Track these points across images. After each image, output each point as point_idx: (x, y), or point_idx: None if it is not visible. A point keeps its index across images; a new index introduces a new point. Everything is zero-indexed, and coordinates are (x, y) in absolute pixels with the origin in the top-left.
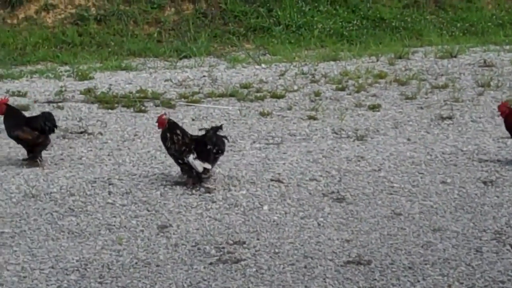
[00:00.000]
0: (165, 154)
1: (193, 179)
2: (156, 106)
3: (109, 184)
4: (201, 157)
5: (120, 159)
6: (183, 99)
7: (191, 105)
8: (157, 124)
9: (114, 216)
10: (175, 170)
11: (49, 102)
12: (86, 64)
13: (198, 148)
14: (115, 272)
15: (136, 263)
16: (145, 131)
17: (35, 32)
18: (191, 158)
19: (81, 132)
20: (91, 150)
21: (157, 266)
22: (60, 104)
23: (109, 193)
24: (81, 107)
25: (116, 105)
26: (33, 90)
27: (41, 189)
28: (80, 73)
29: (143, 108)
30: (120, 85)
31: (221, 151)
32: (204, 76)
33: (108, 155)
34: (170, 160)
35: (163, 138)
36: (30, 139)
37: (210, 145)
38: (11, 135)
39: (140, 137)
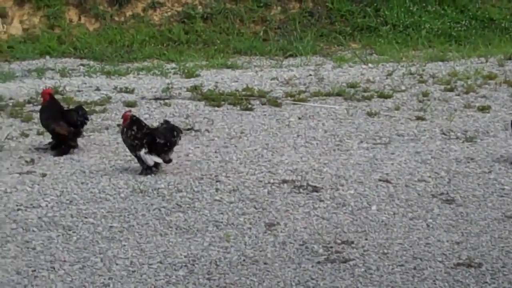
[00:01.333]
0: (272, 152)
1: (146, 171)
2: (263, 104)
3: (216, 181)
4: (152, 151)
5: (227, 156)
6: (289, 98)
7: (297, 104)
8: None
9: (222, 213)
10: (282, 168)
11: (156, 99)
12: (192, 61)
13: (149, 142)
14: (223, 269)
15: (243, 260)
16: (252, 129)
17: (142, 29)
18: (142, 152)
19: (188, 129)
20: (198, 147)
21: (265, 264)
22: (167, 101)
23: (216, 190)
24: (187, 104)
25: (222, 102)
26: (140, 87)
27: (149, 185)
28: (186, 71)
29: (249, 106)
30: (226, 83)
31: (169, 142)
32: (310, 75)
33: (215, 152)
34: (277, 158)
35: (121, 132)
36: (66, 135)
37: (159, 138)
38: (46, 126)
39: (246, 135)
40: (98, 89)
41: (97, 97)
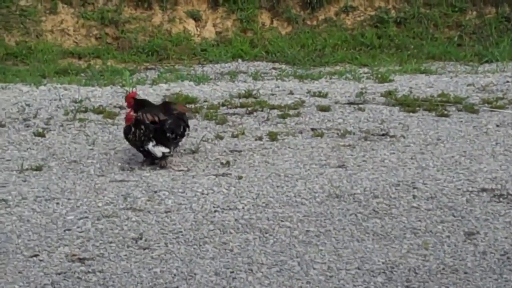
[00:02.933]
0: (470, 160)
1: (147, 161)
2: (459, 110)
3: (413, 188)
4: (160, 144)
5: (423, 163)
6: (486, 105)
7: (495, 111)
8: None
9: (419, 220)
10: (481, 176)
11: (349, 103)
12: (385, 66)
13: (157, 136)
14: (422, 277)
15: (443, 269)
16: (448, 135)
17: (334, 33)
18: (150, 145)
19: (383, 135)
20: (393, 153)
21: (465, 273)
22: (360, 106)
23: (414, 196)
24: (382, 109)
25: (417, 108)
26: (333, 91)
27: (344, 190)
28: (379, 75)
29: (445, 112)
30: (420, 88)
31: (177, 135)
32: (507, 81)
33: (411, 158)
34: (476, 166)
35: (126, 131)
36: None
37: (169, 132)
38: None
39: (443, 142)
40: (291, 92)
41: (291, 101)
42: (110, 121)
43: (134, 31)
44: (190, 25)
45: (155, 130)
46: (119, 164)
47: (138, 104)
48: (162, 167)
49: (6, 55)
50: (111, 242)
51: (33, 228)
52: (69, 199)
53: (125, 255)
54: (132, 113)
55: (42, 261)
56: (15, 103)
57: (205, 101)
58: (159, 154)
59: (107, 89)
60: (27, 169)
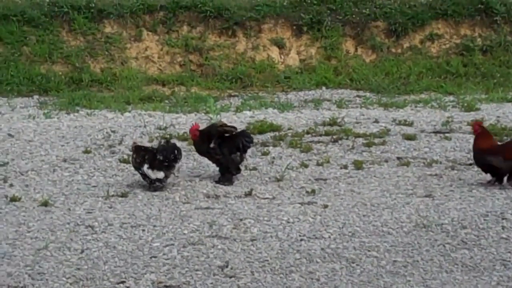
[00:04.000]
0: None
1: (152, 186)
2: None
3: (502, 219)
4: (153, 167)
5: (511, 192)
6: None
7: None
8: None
9: (509, 252)
10: None
11: (435, 132)
12: (471, 95)
13: (151, 159)
14: None
15: None
16: None
17: (419, 61)
18: (145, 168)
19: (470, 164)
20: (481, 183)
21: None
22: (447, 134)
23: (503, 227)
24: (468, 138)
25: (505, 138)
26: (418, 120)
27: (432, 220)
28: (465, 104)
29: None
30: (508, 117)
31: (168, 160)
32: None
33: (499, 188)
34: None
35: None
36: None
37: (159, 155)
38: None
39: None
40: (376, 121)
41: (376, 129)
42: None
43: (218, 58)
44: (274, 52)
45: (150, 155)
46: (204, 191)
47: (203, 136)
48: (155, 190)
49: (91, 82)
50: (197, 270)
51: (119, 255)
52: (154, 225)
53: (211, 283)
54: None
55: None
56: (101, 129)
57: (289, 128)
58: (153, 177)
59: (191, 116)
60: (113, 195)
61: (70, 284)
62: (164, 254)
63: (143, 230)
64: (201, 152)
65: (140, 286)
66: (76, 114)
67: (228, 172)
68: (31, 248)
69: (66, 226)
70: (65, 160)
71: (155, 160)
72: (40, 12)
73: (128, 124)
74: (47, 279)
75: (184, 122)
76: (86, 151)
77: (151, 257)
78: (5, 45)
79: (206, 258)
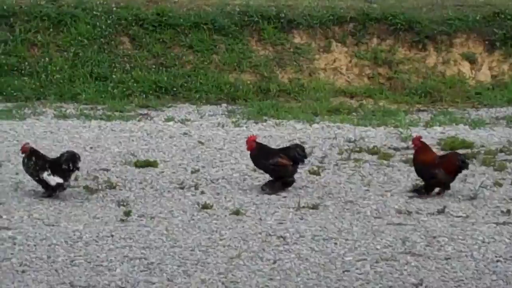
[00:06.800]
0: None
1: (48, 192)
2: None
3: None
4: (55, 173)
5: None
6: None
7: None
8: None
9: None
10: None
11: None
12: None
13: (53, 167)
14: None
15: None
16: None
17: None
18: (45, 174)
19: None
20: None
21: None
22: None
23: None
24: None
25: None
26: None
27: None
28: None
29: None
30: None
31: (73, 168)
32: None
33: None
34: None
35: (22, 162)
36: (288, 165)
37: (65, 165)
38: (266, 164)
39: None
40: None
41: None
42: (385, 162)
43: (407, 72)
44: (465, 67)
45: (51, 161)
46: (396, 206)
47: (259, 147)
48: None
49: (279, 91)
50: (390, 286)
51: (311, 267)
52: (346, 239)
53: None
54: (26, 145)
55: None
56: (290, 140)
57: (481, 146)
58: (53, 183)
59: (381, 129)
60: (303, 207)
61: None
62: (357, 269)
63: (335, 244)
64: (256, 164)
65: None
66: (264, 123)
67: (278, 181)
68: (224, 256)
69: (258, 236)
70: (254, 170)
71: (57, 167)
72: (230, 21)
73: (317, 135)
74: None
75: (373, 135)
76: None
77: (343, 271)
78: (195, 53)
79: (400, 275)
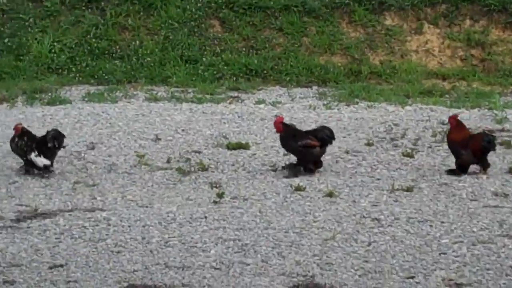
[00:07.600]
0: None
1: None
2: None
3: None
4: (41, 154)
5: None
6: None
7: None
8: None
9: None
10: None
11: None
12: None
13: (39, 146)
14: None
15: None
16: None
17: None
18: (32, 155)
19: None
20: None
21: None
22: None
23: None
24: None
25: None
26: None
27: None
28: None
29: None
30: None
31: (57, 147)
32: None
33: None
34: None
35: (11, 141)
36: (318, 145)
37: (50, 143)
38: (295, 146)
39: None
40: None
41: None
42: None
43: (501, 53)
44: None
45: (38, 141)
46: (492, 189)
47: (287, 129)
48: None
49: (370, 74)
50: (488, 269)
51: (407, 249)
52: (442, 222)
53: (504, 283)
54: (20, 125)
55: (418, 283)
56: (382, 122)
57: None
58: (40, 164)
59: (474, 111)
60: (397, 189)
61: (359, 276)
62: (453, 251)
63: (431, 226)
64: (284, 146)
65: (430, 282)
66: (356, 106)
67: (305, 165)
68: (318, 238)
69: (352, 218)
70: (347, 152)
71: (44, 147)
72: (321, 3)
73: (409, 117)
74: (335, 270)
75: (467, 118)
76: (368, 144)
77: (440, 254)
78: (285, 36)
79: (497, 258)
